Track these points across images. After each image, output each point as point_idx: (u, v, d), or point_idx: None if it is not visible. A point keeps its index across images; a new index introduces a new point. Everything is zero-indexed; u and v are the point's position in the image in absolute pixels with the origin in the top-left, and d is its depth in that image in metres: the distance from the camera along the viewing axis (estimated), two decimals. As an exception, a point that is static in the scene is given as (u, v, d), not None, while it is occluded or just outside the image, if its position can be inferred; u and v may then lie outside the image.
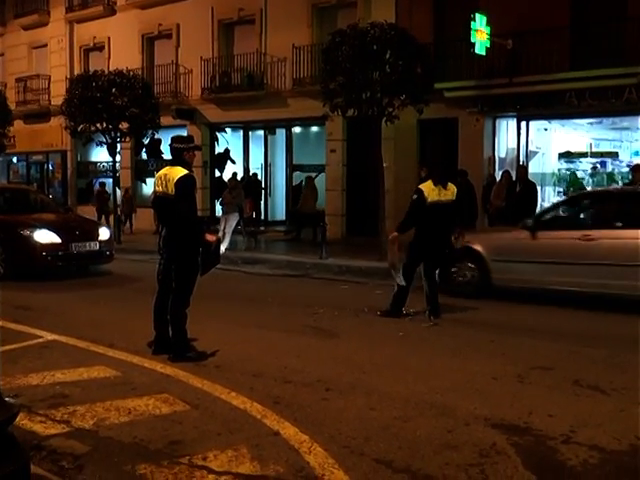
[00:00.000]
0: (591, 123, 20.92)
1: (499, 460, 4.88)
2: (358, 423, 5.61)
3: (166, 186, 7.48)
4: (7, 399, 3.56)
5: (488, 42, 18.13)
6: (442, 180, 9.97)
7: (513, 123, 20.42)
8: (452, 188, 10.07)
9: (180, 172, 7.49)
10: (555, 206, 12.82)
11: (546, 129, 21.23)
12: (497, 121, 20.33)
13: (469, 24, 17.70)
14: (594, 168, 20.94)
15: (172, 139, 7.78)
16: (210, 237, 7.79)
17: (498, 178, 18.65)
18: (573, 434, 5.38)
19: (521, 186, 15.73)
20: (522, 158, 20.29)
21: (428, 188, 9.90)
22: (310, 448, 5.04)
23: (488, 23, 18.15)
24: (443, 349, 8.31)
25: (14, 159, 34.47)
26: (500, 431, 5.45)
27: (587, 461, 4.89)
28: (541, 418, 5.74)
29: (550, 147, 21.38)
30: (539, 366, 7.42)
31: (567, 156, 21.18)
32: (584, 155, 21.49)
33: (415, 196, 9.97)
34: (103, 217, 25.23)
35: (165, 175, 7.57)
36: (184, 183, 7.46)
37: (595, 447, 5.12)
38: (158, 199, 7.71)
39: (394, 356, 7.93)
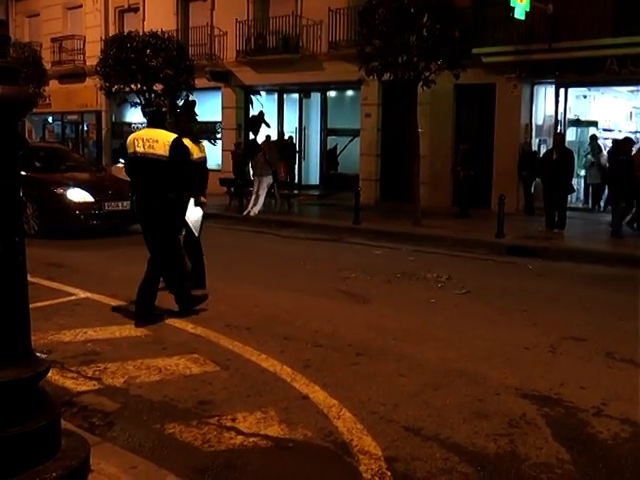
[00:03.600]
0: (632, 91, 20.52)
1: (529, 431, 4.84)
2: (388, 389, 5.59)
3: (152, 147, 7.36)
4: (38, 355, 3.57)
5: (528, 6, 17.71)
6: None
7: (551, 90, 20.10)
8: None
9: (169, 135, 7.48)
10: None
11: (585, 96, 20.89)
12: (535, 88, 20.01)
13: (509, -12, 17.35)
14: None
15: (153, 102, 7.81)
16: (203, 199, 7.99)
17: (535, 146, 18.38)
18: (604, 407, 5.32)
19: (558, 154, 15.47)
20: (560, 126, 20.00)
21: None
22: (339, 413, 5.03)
23: (528, -13, 17.78)
24: (474, 317, 8.24)
25: (49, 119, 34.70)
26: (531, 401, 5.40)
27: (618, 434, 4.83)
28: (572, 390, 5.68)
29: (589, 115, 21.04)
30: (572, 337, 7.33)
31: (576, 124, 20.88)
32: (593, 124, 21.16)
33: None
34: None
35: (148, 137, 7.44)
36: (181, 146, 7.53)
37: (627, 421, 5.05)
38: (141, 160, 7.44)
39: (425, 323, 7.88)
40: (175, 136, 7.51)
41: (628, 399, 5.50)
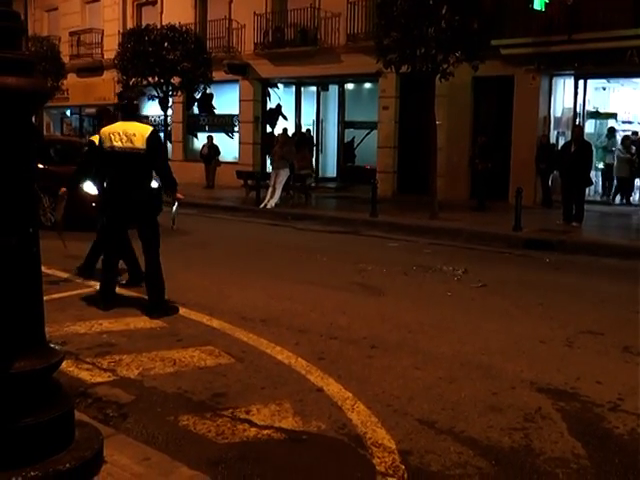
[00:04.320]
0: (653, 83, 20.35)
1: (544, 425, 4.81)
2: (402, 382, 5.58)
3: (131, 141, 7.37)
4: (52, 345, 3.58)
5: (547, -3, 17.62)
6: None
7: (570, 82, 19.96)
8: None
9: (146, 127, 7.57)
10: None
11: (604, 88, 20.72)
12: (554, 80, 19.87)
13: (528, -21, 17.23)
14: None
15: (121, 95, 7.79)
16: (180, 195, 8.25)
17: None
18: (621, 402, 5.27)
19: (576, 147, 15.36)
20: (578, 118, 19.86)
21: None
22: (353, 405, 5.02)
23: (548, -22, 17.65)
24: (491, 310, 8.21)
25: (67, 112, 34.86)
26: (546, 396, 5.36)
27: (635, 430, 4.78)
28: (589, 384, 5.64)
29: (608, 107, 20.86)
30: (588, 331, 7.28)
31: (596, 116, 20.72)
32: (612, 116, 20.99)
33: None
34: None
35: (125, 130, 7.42)
36: (158, 139, 7.71)
37: (644, 416, 5.02)
38: (120, 155, 7.43)
39: (441, 316, 7.85)
40: (151, 129, 7.60)
41: (645, 394, 5.46)
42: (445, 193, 18.96)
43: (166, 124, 24.15)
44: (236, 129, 27.70)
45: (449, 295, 8.97)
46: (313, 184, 22.83)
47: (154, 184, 7.91)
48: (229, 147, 27.33)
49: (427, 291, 9.25)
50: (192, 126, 29.33)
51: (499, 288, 9.46)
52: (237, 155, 27.24)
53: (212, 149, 25.64)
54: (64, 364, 4.80)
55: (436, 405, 5.10)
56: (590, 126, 20.75)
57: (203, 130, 28.64)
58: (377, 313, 7.88)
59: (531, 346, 6.71)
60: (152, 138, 7.43)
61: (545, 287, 9.64)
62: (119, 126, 7.55)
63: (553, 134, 19.87)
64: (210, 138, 26.07)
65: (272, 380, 5.54)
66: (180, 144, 29.14)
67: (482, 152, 18.70)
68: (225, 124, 28.18)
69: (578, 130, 16.87)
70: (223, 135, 27.76)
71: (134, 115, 7.77)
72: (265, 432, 4.56)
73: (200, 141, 28.03)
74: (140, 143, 7.36)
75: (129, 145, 7.37)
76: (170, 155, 25.17)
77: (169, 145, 25.13)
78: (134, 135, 7.37)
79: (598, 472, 4.17)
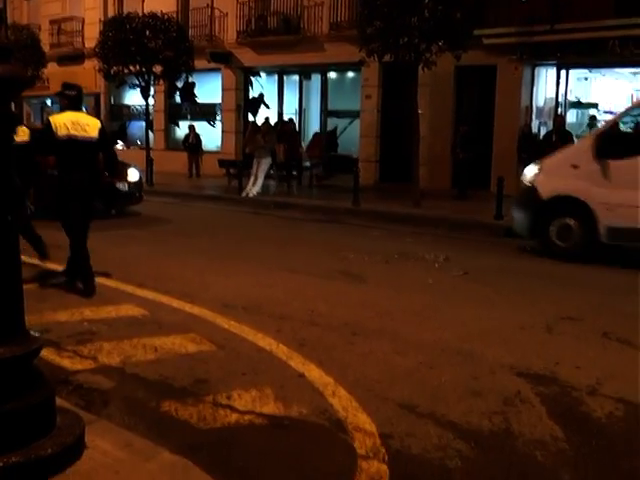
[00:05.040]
0: (633, 73, 20.41)
1: (523, 409, 4.86)
2: (383, 368, 5.61)
3: (86, 130, 7.89)
4: (32, 333, 3.58)
5: (530, -13, 17.65)
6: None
7: (552, 72, 20.02)
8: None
9: (94, 119, 8.34)
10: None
11: (586, 78, 20.80)
12: (536, 69, 19.93)
13: (511, -32, 17.25)
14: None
15: (68, 86, 8.26)
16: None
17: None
18: (599, 386, 5.33)
19: (557, 136, 15.42)
20: (560, 108, 19.94)
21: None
22: (334, 391, 5.04)
23: (530, -33, 17.68)
24: (471, 297, 8.26)
25: (48, 101, 34.55)
26: (525, 380, 5.41)
27: (612, 413, 4.84)
28: (568, 369, 5.69)
29: (589, 97, 20.95)
30: (568, 317, 7.35)
31: (577, 106, 20.81)
32: (594, 106, 21.08)
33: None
34: None
35: (78, 120, 7.91)
36: (105, 129, 8.34)
37: (621, 400, 5.06)
38: (77, 141, 7.85)
39: (422, 303, 7.89)
40: (99, 121, 8.37)
41: (623, 379, 5.51)
42: (427, 182, 18.98)
43: (147, 113, 24.00)
44: (218, 118, 27.60)
45: (430, 282, 9.01)
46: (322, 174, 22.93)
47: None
48: (211, 136, 27.23)
49: (408, 279, 9.29)
50: (174, 115, 29.18)
51: (480, 275, 9.52)
52: (219, 144, 27.15)
53: (198, 138, 25.58)
54: (45, 352, 4.80)
55: (417, 390, 5.13)
56: (572, 116, 20.81)
57: (185, 119, 28.52)
58: (358, 300, 7.91)
59: (511, 332, 6.76)
60: (102, 128, 8.15)
61: (525, 274, 9.72)
62: (72, 116, 7.99)
63: (535, 124, 19.92)
64: (192, 127, 25.97)
65: (253, 366, 5.55)
66: (162, 133, 29.01)
67: (464, 141, 18.77)
68: (207, 113, 28.06)
69: (559, 119, 16.95)
70: (205, 124, 27.66)
71: (80, 106, 8.37)
72: (246, 417, 4.58)
73: (182, 130, 27.91)
74: (94, 133, 7.95)
75: (84, 134, 7.89)
76: (152, 144, 25.02)
77: (150, 134, 24.96)
78: (87, 125, 7.96)
79: (576, 454, 4.22)
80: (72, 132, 7.79)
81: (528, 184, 11.46)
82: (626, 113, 12.00)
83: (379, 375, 5.42)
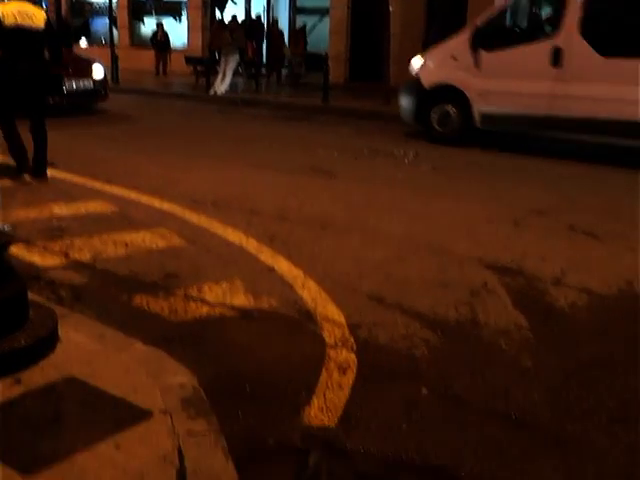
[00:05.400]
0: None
1: (489, 300, 4.96)
2: (352, 261, 5.68)
3: (32, 19, 7.89)
4: (1, 227, 3.57)
5: None
6: None
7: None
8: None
9: (40, 10, 8.28)
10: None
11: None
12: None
13: None
14: None
15: None
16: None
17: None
18: (564, 277, 5.45)
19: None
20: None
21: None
22: (304, 283, 5.11)
23: None
24: (440, 192, 8.31)
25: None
26: (492, 272, 5.51)
27: (575, 303, 4.97)
28: (534, 261, 5.80)
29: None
30: (535, 210, 7.44)
31: None
32: None
33: None
34: None
35: (24, 10, 7.88)
36: (50, 20, 8.35)
37: (585, 290, 5.20)
38: (23, 30, 7.83)
39: (392, 197, 7.94)
40: (43, 10, 8.47)
41: (587, 270, 5.65)
42: (398, 79, 18.71)
43: (110, 9, 23.26)
44: (184, 14, 26.86)
45: (399, 177, 9.04)
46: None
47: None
48: (178, 33, 26.55)
49: (378, 174, 9.30)
50: (138, 11, 28.33)
51: (449, 171, 9.56)
52: (185, 41, 26.51)
53: (166, 36, 24.93)
54: (15, 249, 4.80)
55: (385, 282, 5.21)
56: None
57: (150, 15, 27.73)
58: (328, 195, 7.93)
59: (479, 225, 6.85)
60: (48, 19, 8.19)
61: (495, 168, 9.78)
62: (18, 5, 7.95)
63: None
64: (160, 25, 25.26)
65: (223, 260, 5.59)
66: (126, 30, 28.20)
67: (435, 39, 18.48)
68: (172, 9, 27.29)
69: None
70: (170, 20, 26.93)
71: None
72: (217, 310, 4.63)
73: (147, 27, 27.18)
74: (40, 22, 7.96)
75: (29, 22, 7.87)
76: (116, 41, 24.35)
77: (115, 31, 24.26)
78: (34, 15, 7.94)
79: (539, 342, 4.35)
80: (19, 21, 7.77)
81: (414, 75, 12.21)
82: (499, 10, 12.06)
83: (348, 268, 5.48)
